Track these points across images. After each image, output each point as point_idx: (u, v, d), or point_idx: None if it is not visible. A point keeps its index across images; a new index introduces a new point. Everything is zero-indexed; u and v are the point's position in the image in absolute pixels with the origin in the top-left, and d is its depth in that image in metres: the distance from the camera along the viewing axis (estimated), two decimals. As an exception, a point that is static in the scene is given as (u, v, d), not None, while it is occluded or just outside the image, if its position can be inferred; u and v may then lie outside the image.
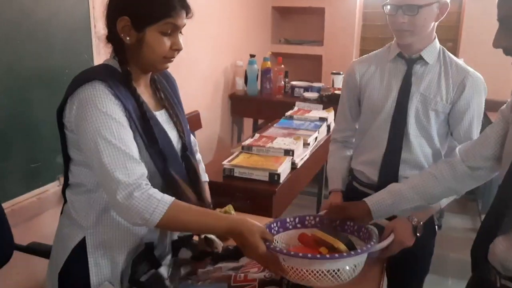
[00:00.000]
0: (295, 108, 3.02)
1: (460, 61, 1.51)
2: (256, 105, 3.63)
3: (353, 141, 1.72)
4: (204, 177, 1.45)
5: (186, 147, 1.28)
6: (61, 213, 1.29)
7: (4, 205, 1.61)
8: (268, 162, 2.01)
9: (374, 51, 1.63)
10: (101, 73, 1.11)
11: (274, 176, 1.95)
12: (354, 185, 1.64)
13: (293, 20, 4.43)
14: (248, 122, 3.97)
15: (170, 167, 1.18)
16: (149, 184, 1.08)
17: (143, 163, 1.09)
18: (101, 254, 1.19)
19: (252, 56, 3.52)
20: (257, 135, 2.34)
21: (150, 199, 1.04)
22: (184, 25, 1.15)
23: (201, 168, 1.44)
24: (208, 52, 3.27)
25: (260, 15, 4.08)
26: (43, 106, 1.79)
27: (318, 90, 3.50)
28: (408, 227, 1.41)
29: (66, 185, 1.25)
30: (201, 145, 3.16)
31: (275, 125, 2.64)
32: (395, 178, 1.51)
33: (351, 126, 1.68)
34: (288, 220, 1.27)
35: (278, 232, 1.25)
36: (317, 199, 3.39)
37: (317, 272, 1.03)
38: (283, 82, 3.64)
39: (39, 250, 1.62)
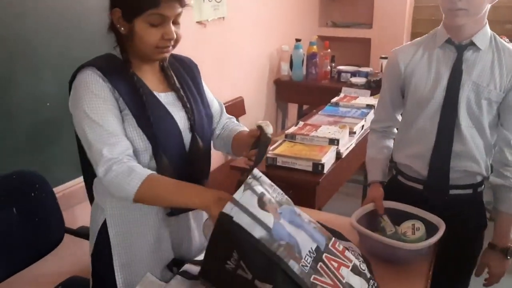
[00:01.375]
0: (341, 95, 2.94)
1: None
2: (301, 91, 3.58)
3: (393, 131, 1.66)
4: (242, 127, 1.43)
5: (194, 128, 1.27)
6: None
7: (55, 190, 1.68)
8: (312, 152, 1.97)
9: (416, 39, 1.53)
10: (97, 61, 1.17)
11: (318, 166, 1.91)
12: (400, 180, 1.57)
13: (341, 2, 4.28)
14: (292, 108, 3.92)
15: (163, 149, 1.19)
16: (132, 159, 1.13)
17: (126, 140, 1.14)
18: (122, 236, 1.24)
19: (298, 40, 3.45)
20: (301, 123, 2.30)
21: (127, 172, 1.08)
22: (177, 14, 1.14)
23: (241, 127, 1.43)
24: (253, 37, 3.23)
25: (306, -2, 3.99)
26: (91, 94, 1.84)
27: (366, 75, 3.39)
28: (498, 258, 1.48)
29: (84, 172, 1.31)
30: (245, 131, 3.17)
31: (320, 112, 2.58)
32: (446, 172, 1.44)
33: (392, 116, 1.62)
34: None
35: None
36: (363, 187, 3.32)
37: None
38: (329, 67, 3.56)
39: (88, 233, 1.66)
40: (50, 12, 1.65)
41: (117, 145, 1.11)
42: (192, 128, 1.27)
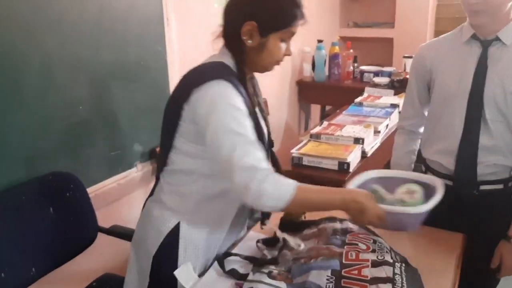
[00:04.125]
0: (365, 94, 2.95)
1: None
2: (324, 91, 3.59)
3: (420, 130, 1.68)
4: None
5: (272, 144, 1.34)
6: (150, 195, 1.36)
7: (88, 190, 1.73)
8: (337, 151, 1.99)
9: (442, 35, 1.56)
10: (224, 72, 1.16)
11: (343, 165, 1.93)
12: None
13: (362, 2, 4.29)
14: (315, 109, 3.93)
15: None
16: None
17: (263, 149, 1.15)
18: (191, 240, 1.26)
19: (319, 41, 3.47)
20: (325, 123, 2.31)
21: (279, 183, 1.09)
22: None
23: None
24: (276, 39, 3.26)
25: (328, -1, 4.00)
26: (121, 97, 1.90)
27: (389, 74, 3.38)
28: None
29: (161, 169, 1.31)
30: (269, 132, 3.20)
31: (344, 112, 2.60)
32: (473, 166, 1.45)
33: (420, 113, 1.63)
34: None
35: None
36: (387, 187, 3.31)
37: None
38: (352, 67, 3.56)
39: (120, 232, 1.74)
40: (81, 20, 1.71)
41: (262, 156, 1.11)
42: (270, 144, 1.32)
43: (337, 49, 3.50)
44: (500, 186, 1.47)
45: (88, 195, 1.71)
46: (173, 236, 1.25)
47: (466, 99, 1.42)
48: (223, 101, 1.11)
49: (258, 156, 1.09)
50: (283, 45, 1.20)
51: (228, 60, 1.21)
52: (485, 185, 1.46)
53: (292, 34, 1.20)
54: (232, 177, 1.09)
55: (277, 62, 1.24)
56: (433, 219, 1.50)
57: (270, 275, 1.18)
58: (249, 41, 1.17)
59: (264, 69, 1.26)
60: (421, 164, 1.65)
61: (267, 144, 1.30)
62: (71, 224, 1.64)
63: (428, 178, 1.39)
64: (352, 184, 1.37)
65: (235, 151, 1.08)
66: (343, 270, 1.13)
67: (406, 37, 3.89)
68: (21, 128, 1.56)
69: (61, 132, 1.70)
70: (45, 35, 1.60)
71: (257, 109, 1.29)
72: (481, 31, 1.40)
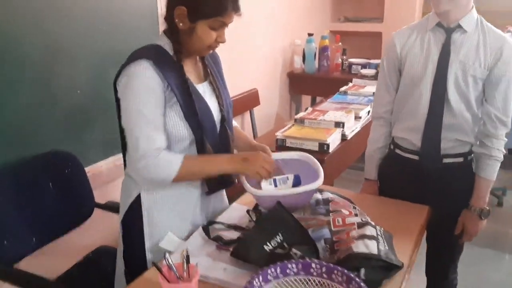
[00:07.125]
0: (350, 84, 3.07)
1: (498, 30, 1.53)
2: (313, 83, 3.72)
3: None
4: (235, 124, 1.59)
5: (225, 118, 1.41)
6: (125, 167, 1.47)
7: (86, 169, 1.86)
8: (318, 133, 2.12)
9: (412, 23, 1.67)
10: (149, 53, 1.26)
11: (323, 146, 2.06)
12: (397, 152, 1.70)
13: (352, -3, 4.41)
14: (306, 100, 4.06)
15: (205, 137, 1.34)
16: (164, 150, 1.26)
17: (165, 133, 1.27)
18: (155, 209, 1.37)
19: (310, 34, 3.59)
20: (310, 109, 2.44)
21: (164, 161, 1.24)
22: (231, 22, 1.28)
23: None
24: (267, 31, 3.38)
25: (319, -6, 4.12)
26: (116, 83, 2.01)
27: (376, 66, 3.50)
28: (473, 218, 1.63)
29: (124, 149, 1.42)
30: (259, 121, 3.32)
31: (329, 100, 2.72)
32: (437, 142, 1.58)
33: (394, 98, 1.72)
34: (289, 265, 1.09)
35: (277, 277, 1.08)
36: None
37: None
38: (340, 60, 3.68)
39: (114, 207, 1.85)
40: (79, 10, 1.83)
41: (157, 139, 1.24)
42: (222, 118, 1.41)
43: (326, 42, 3.62)
44: (461, 160, 1.61)
45: (85, 173, 1.83)
46: (136, 205, 1.37)
47: (431, 81, 1.55)
48: (138, 80, 1.22)
49: (151, 138, 1.23)
50: (213, 33, 1.25)
51: (165, 41, 1.30)
52: (448, 158, 1.60)
53: (223, 23, 1.25)
54: (130, 153, 1.27)
55: (209, 48, 1.29)
56: (400, 192, 1.65)
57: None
58: (180, 24, 1.24)
59: (198, 52, 1.33)
60: (389, 143, 1.76)
61: (218, 120, 1.39)
62: (69, 199, 1.76)
63: (299, 154, 1.53)
64: None
65: (133, 131, 1.23)
66: (334, 237, 1.25)
67: (394, 31, 3.99)
68: (25, 108, 1.68)
69: (61, 114, 1.82)
70: (48, 23, 1.71)
71: (205, 84, 1.38)
72: (445, 19, 1.53)
